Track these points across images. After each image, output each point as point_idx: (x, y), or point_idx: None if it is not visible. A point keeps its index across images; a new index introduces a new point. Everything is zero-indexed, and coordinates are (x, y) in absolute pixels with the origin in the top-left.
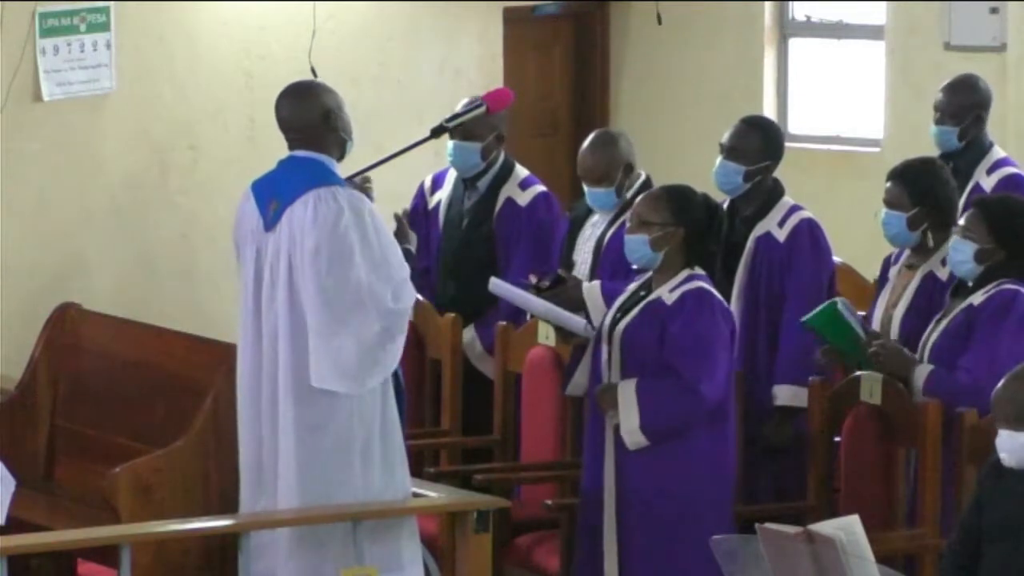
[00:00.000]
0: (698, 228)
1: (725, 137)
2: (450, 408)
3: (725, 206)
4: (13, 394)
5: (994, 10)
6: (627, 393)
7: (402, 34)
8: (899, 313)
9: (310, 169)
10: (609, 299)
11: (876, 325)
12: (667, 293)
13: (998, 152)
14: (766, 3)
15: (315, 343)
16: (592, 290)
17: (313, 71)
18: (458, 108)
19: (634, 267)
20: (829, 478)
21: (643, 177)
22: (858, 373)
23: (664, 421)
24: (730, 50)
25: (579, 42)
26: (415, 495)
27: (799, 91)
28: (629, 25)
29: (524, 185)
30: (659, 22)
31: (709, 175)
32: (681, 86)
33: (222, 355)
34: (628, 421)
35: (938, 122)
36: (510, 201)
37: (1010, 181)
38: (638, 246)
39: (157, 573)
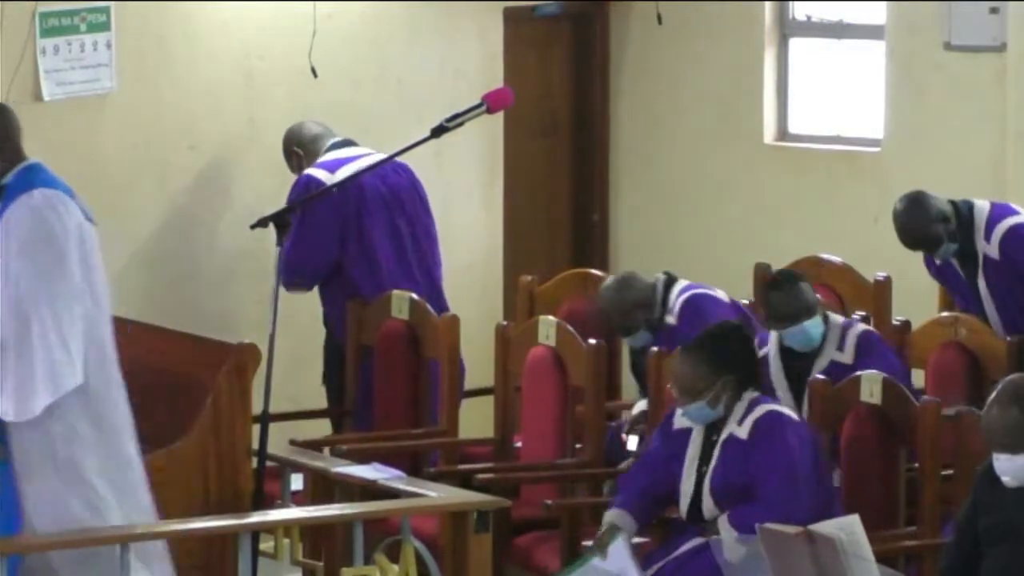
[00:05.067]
0: (743, 367)
1: (786, 307)
2: (448, 408)
3: (775, 342)
4: None
5: (994, 10)
6: (724, 528)
7: (402, 34)
8: None
9: (38, 171)
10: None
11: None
12: (737, 427)
13: (981, 212)
14: (766, 3)
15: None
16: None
17: (313, 71)
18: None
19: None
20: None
21: (663, 279)
22: (858, 373)
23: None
24: (730, 50)
25: (579, 42)
26: (416, 495)
27: (799, 91)
28: (629, 25)
29: None
30: (659, 22)
31: (706, 173)
32: (681, 86)
33: (222, 355)
34: (731, 552)
35: (941, 255)
36: None
37: (1011, 235)
38: (699, 413)
39: None
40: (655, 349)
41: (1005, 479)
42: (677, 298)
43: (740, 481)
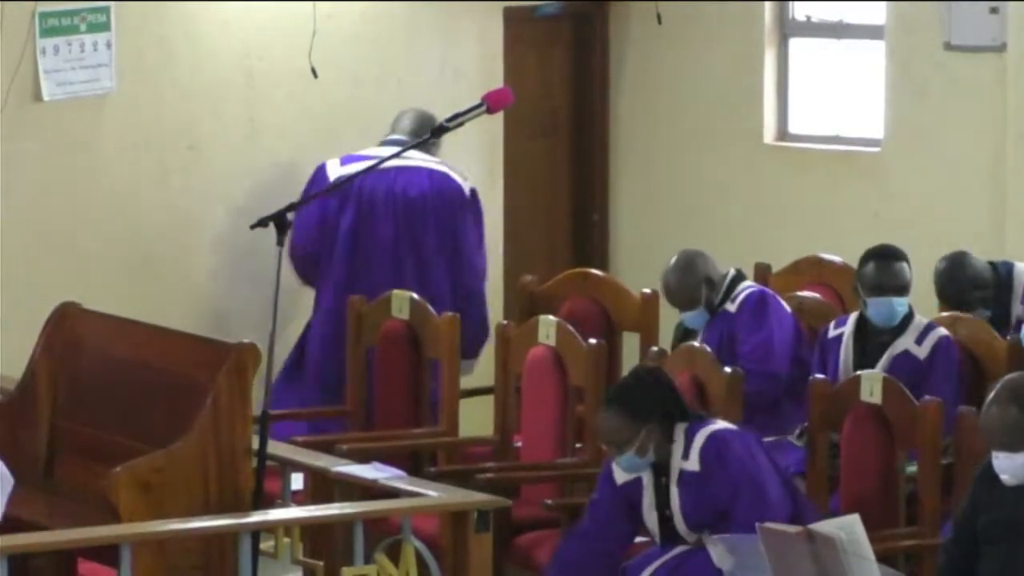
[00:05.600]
0: (664, 409)
1: (880, 278)
2: (448, 407)
3: (852, 322)
4: (13, 394)
5: (994, 10)
6: (709, 539)
7: (402, 34)
8: None
9: None
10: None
11: None
12: (685, 462)
13: (1020, 276)
14: (766, 3)
15: None
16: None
17: (313, 71)
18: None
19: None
20: (829, 478)
21: (733, 272)
22: (858, 373)
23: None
24: (730, 50)
25: (579, 42)
26: (416, 495)
27: (799, 91)
28: (629, 25)
29: None
30: (659, 22)
31: (706, 173)
32: (681, 86)
33: (222, 355)
34: (721, 561)
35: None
36: None
37: None
38: (629, 463)
39: (157, 573)
40: (654, 349)
41: (1004, 478)
42: (743, 291)
43: (711, 507)
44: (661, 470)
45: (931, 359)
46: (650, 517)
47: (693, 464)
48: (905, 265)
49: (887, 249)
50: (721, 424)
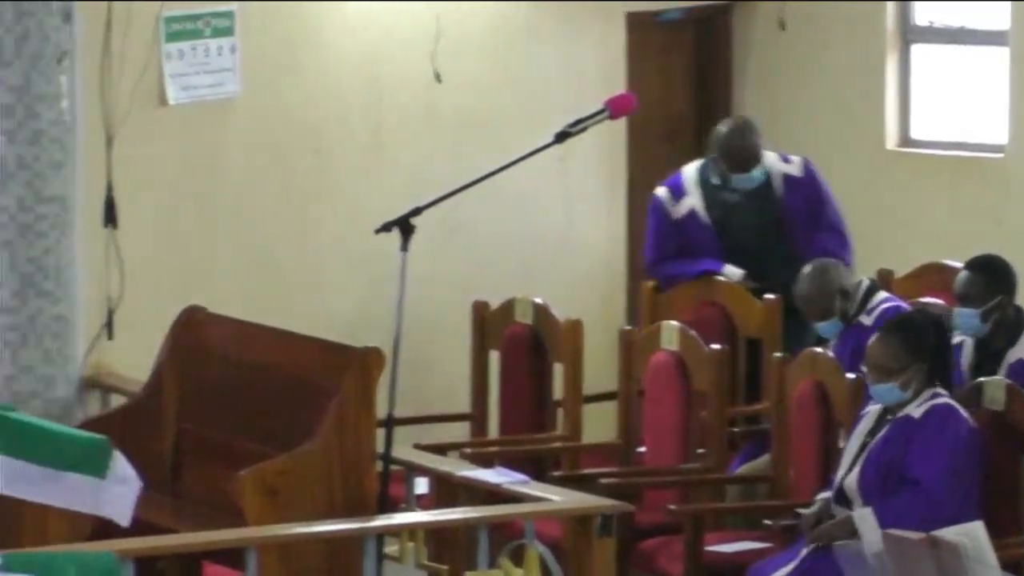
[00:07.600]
0: (937, 356)
1: (957, 287)
2: (571, 413)
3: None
4: (140, 396)
5: None
6: (866, 521)
7: (525, 38)
8: None
9: None
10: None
11: None
12: (914, 409)
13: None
14: (887, 5)
15: None
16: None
17: (437, 76)
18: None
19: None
20: None
21: (867, 283)
22: (980, 380)
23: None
24: (852, 56)
25: (701, 47)
26: (540, 499)
27: (921, 97)
28: (752, 30)
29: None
30: (782, 27)
31: (828, 178)
32: (803, 91)
33: (348, 358)
34: (873, 546)
35: None
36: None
37: None
38: (888, 393)
39: None
40: (778, 356)
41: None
42: (881, 303)
43: (898, 459)
44: (890, 409)
45: None
46: (853, 446)
47: (917, 413)
48: (983, 277)
49: (975, 259)
50: (964, 411)
